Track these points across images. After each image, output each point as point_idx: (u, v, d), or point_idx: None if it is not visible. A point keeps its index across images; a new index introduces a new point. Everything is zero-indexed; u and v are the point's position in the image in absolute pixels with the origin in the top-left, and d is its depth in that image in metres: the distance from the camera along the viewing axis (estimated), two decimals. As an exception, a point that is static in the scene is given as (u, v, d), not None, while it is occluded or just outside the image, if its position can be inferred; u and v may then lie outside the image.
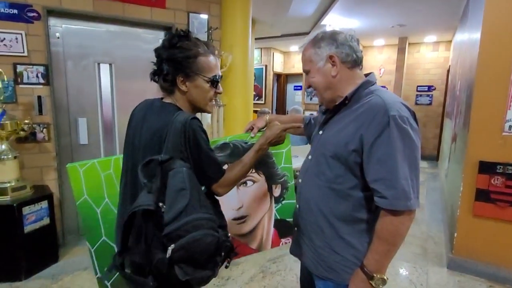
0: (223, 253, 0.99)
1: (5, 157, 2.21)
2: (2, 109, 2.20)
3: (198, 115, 1.23)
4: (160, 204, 0.90)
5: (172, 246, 0.85)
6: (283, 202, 1.64)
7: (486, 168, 2.33)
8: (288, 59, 8.74)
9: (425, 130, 7.00)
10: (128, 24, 2.85)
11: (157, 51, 1.09)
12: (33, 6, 2.42)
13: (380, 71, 7.34)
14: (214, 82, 1.11)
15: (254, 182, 1.57)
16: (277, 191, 1.62)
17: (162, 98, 1.14)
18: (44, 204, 2.34)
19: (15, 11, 2.37)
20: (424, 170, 6.06)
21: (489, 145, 2.34)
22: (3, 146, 2.23)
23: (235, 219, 1.56)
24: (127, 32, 2.88)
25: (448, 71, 6.26)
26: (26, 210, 2.21)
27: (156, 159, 0.94)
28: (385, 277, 0.93)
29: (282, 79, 8.76)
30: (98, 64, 2.78)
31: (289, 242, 1.56)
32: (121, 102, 2.88)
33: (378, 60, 7.41)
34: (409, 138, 0.88)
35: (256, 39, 6.37)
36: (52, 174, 2.65)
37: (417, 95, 7.06)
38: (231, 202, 1.54)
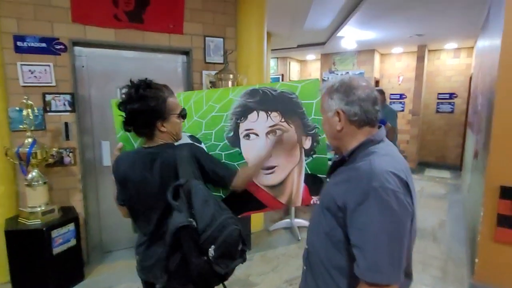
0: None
1: (36, 183, 2.36)
2: (33, 138, 2.36)
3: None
4: (190, 219, 1.08)
5: (213, 246, 1.07)
6: (314, 156, 1.53)
7: (509, 193, 2.26)
8: (305, 67, 8.73)
9: (447, 139, 6.81)
10: (148, 50, 2.97)
11: (125, 104, 1.21)
12: (60, 39, 2.58)
13: (399, 79, 7.21)
14: (183, 116, 1.32)
15: (283, 131, 1.49)
16: (307, 143, 1.52)
17: (145, 147, 1.28)
18: (71, 226, 2.48)
19: (44, 45, 2.53)
20: (446, 181, 5.89)
21: (511, 169, 2.27)
22: (34, 173, 2.38)
23: (263, 168, 1.50)
24: (146, 58, 3.00)
25: (471, 78, 6.07)
26: (54, 233, 2.35)
27: (178, 184, 1.14)
28: None
29: (298, 87, 8.74)
30: (120, 89, 2.91)
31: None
32: (141, 125, 2.99)
33: (396, 67, 7.28)
34: (390, 211, 0.84)
35: (272, 50, 6.41)
36: (77, 195, 2.79)
37: (438, 102, 6.88)
38: (260, 151, 1.46)
